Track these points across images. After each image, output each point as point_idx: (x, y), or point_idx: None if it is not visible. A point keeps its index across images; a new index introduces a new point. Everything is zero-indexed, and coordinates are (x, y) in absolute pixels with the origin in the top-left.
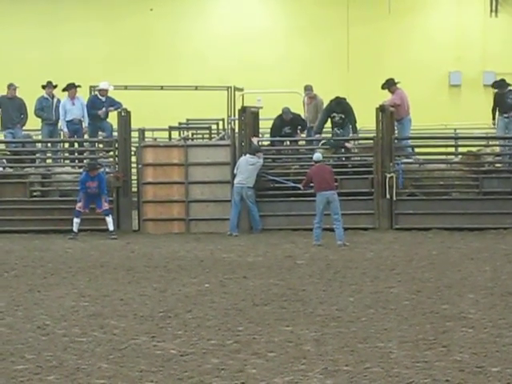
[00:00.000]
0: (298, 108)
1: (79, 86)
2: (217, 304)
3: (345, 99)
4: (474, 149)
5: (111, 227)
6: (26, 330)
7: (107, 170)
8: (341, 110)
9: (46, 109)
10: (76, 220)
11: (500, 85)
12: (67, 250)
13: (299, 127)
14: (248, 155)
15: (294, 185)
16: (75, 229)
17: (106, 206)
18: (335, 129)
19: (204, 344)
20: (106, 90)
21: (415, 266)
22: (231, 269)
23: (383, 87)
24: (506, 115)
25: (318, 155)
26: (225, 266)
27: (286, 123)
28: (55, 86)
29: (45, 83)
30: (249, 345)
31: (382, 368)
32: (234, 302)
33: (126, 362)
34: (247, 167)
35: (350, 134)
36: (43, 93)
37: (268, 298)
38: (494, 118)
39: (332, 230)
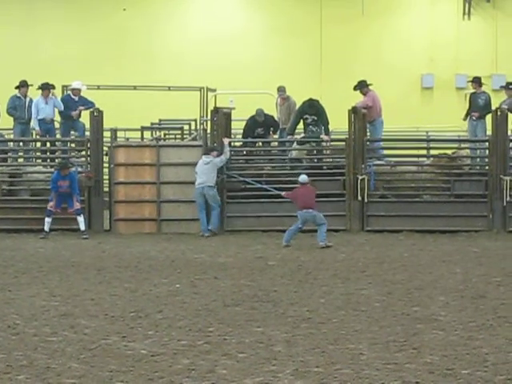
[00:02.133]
0: (271, 109)
1: (53, 87)
2: (188, 304)
3: (317, 101)
4: (445, 151)
5: (82, 227)
6: None
7: (79, 169)
8: (313, 111)
9: (19, 108)
10: (47, 219)
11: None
12: (38, 249)
13: (272, 128)
14: (203, 156)
15: (265, 186)
16: (46, 228)
17: (77, 205)
18: (310, 127)
19: (175, 344)
20: (79, 90)
21: (386, 268)
22: (202, 269)
23: (355, 88)
24: (473, 118)
25: (303, 177)
26: (196, 267)
27: (259, 124)
28: (30, 85)
29: (18, 83)
30: (219, 345)
31: (352, 369)
32: (204, 302)
33: (96, 362)
34: (203, 167)
35: (322, 135)
36: (16, 92)
37: (239, 299)
38: (465, 119)
39: (307, 232)
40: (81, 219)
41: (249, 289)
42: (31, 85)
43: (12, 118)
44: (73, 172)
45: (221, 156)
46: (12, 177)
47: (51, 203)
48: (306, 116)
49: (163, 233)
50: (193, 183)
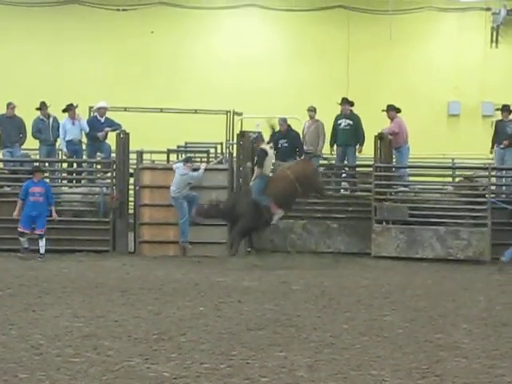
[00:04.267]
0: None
1: (76, 107)
2: (211, 328)
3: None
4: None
5: (42, 251)
6: (20, 349)
7: (104, 190)
8: (350, 118)
9: (43, 130)
10: (21, 239)
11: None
12: (62, 269)
13: (297, 150)
14: (182, 164)
15: None
16: (25, 245)
17: (42, 230)
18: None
19: (197, 367)
20: (105, 109)
21: (409, 295)
22: (226, 293)
23: (385, 110)
24: (501, 146)
25: None
26: (220, 290)
27: (282, 135)
28: (49, 106)
29: (38, 106)
30: (242, 369)
31: None
32: (228, 326)
33: None
34: (178, 177)
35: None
36: (39, 113)
37: (262, 323)
38: (492, 147)
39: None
40: (42, 244)
41: (272, 313)
42: (49, 105)
43: (38, 140)
44: (47, 182)
45: (197, 172)
46: None
47: (19, 225)
48: (341, 121)
49: (187, 256)
50: None
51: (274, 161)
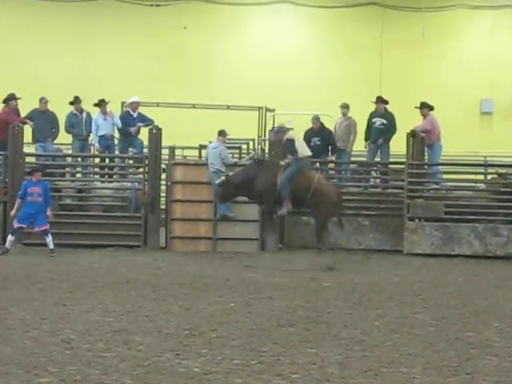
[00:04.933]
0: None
1: (108, 103)
2: (242, 324)
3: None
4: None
5: (51, 246)
6: (51, 343)
7: (136, 186)
8: (384, 117)
9: (76, 125)
10: (10, 238)
11: None
12: (93, 264)
13: (330, 147)
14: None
15: None
16: (8, 245)
17: (45, 226)
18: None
19: (228, 363)
20: (138, 103)
21: (441, 293)
22: (257, 289)
23: (418, 107)
24: None
25: None
26: (250, 286)
27: (315, 133)
28: (81, 101)
29: (72, 100)
30: (272, 366)
31: None
32: (258, 322)
33: (149, 379)
34: (211, 151)
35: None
36: (72, 108)
37: (293, 320)
38: None
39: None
40: (48, 239)
41: (303, 310)
42: (82, 100)
43: (70, 135)
44: (46, 182)
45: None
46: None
47: (15, 220)
48: (375, 120)
49: (218, 251)
50: (249, 202)
51: (307, 151)
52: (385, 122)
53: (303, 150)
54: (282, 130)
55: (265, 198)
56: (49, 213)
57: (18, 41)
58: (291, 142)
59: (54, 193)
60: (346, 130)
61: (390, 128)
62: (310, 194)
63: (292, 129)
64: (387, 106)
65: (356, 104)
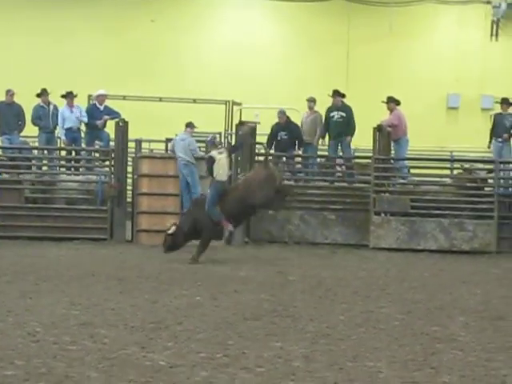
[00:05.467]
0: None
1: (76, 96)
2: (207, 317)
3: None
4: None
5: None
6: (16, 336)
7: (102, 179)
8: (342, 110)
9: (43, 117)
10: None
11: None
12: (59, 257)
13: (297, 141)
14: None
15: None
16: None
17: None
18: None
19: (193, 356)
20: (104, 96)
21: (407, 287)
22: (223, 282)
23: (385, 102)
24: (500, 139)
25: None
26: (216, 280)
27: (282, 127)
28: (49, 93)
29: (39, 91)
30: (238, 359)
31: None
32: (224, 315)
33: (115, 372)
34: (179, 143)
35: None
36: (39, 101)
37: (259, 313)
38: (490, 141)
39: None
40: None
41: (269, 303)
42: (50, 92)
43: (37, 127)
44: None
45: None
46: (33, 184)
47: None
48: (333, 114)
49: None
50: None
51: (225, 174)
52: (343, 114)
53: (222, 171)
54: (213, 144)
55: (206, 231)
56: None
57: None
58: (210, 160)
59: (19, 185)
60: (313, 124)
61: (348, 121)
62: (249, 198)
63: (259, 123)
64: (348, 100)
65: (323, 99)
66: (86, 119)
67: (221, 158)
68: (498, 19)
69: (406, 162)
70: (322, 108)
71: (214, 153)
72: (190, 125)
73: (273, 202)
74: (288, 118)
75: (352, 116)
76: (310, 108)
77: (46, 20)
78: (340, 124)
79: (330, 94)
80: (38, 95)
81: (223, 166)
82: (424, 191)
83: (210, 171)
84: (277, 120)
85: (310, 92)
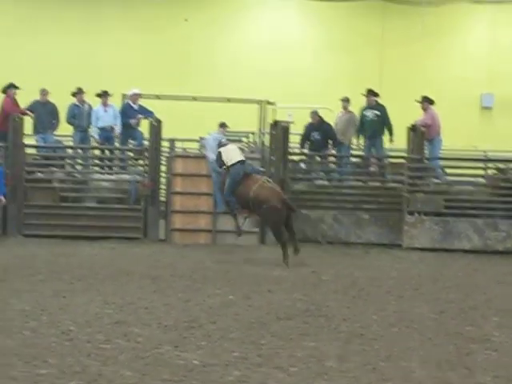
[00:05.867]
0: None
1: (110, 95)
2: (241, 316)
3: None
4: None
5: None
6: (50, 334)
7: (136, 178)
8: (376, 108)
9: (78, 116)
10: None
11: None
12: (94, 256)
13: (330, 141)
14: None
15: None
16: None
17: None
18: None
19: (227, 356)
20: (138, 95)
21: (440, 287)
22: (256, 282)
23: (419, 101)
24: None
25: None
26: (250, 279)
27: (315, 127)
28: (84, 93)
29: (75, 90)
30: (271, 358)
31: None
32: (257, 315)
33: (148, 371)
34: (212, 142)
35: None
36: (74, 100)
37: (292, 313)
38: None
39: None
40: None
41: (302, 303)
42: (85, 92)
43: (72, 126)
44: (1, 167)
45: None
46: (73, 184)
47: None
48: (368, 113)
49: (218, 244)
50: None
51: (236, 156)
52: (378, 113)
53: (232, 156)
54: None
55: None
56: (2, 199)
57: (20, 33)
58: (219, 155)
59: (55, 184)
60: (347, 124)
61: (383, 119)
62: (252, 201)
63: (292, 122)
64: (381, 100)
65: (357, 98)
66: (118, 121)
67: (228, 147)
68: None
69: (440, 161)
70: (355, 108)
71: (220, 149)
72: (222, 125)
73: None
74: (321, 118)
75: (387, 115)
76: (345, 108)
77: (80, 19)
78: (375, 123)
79: (364, 93)
80: (74, 94)
81: (232, 151)
82: (458, 191)
83: (220, 163)
84: (310, 120)
85: (343, 92)
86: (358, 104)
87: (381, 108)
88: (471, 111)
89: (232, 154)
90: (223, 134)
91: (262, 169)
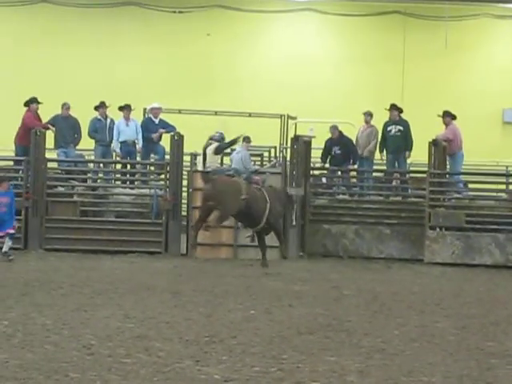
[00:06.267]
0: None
1: (133, 109)
2: (262, 331)
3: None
4: None
5: (7, 248)
6: (72, 348)
7: (158, 192)
8: (399, 124)
9: (100, 130)
10: None
11: None
12: (114, 270)
13: (351, 157)
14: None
15: None
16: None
17: (12, 229)
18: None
19: (248, 370)
20: (159, 109)
21: (461, 302)
22: (277, 296)
23: (441, 116)
24: None
25: None
26: (271, 294)
27: (335, 142)
28: (108, 107)
29: (98, 104)
30: (292, 373)
31: None
32: (279, 329)
33: None
34: (235, 156)
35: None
36: (97, 114)
37: (313, 328)
38: None
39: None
40: (9, 243)
41: (323, 317)
42: (109, 105)
43: (93, 140)
44: (12, 192)
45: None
46: (94, 198)
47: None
48: (391, 128)
49: (239, 259)
50: None
51: (213, 158)
52: (401, 128)
53: (209, 161)
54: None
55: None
56: (14, 227)
57: (42, 46)
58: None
59: (75, 198)
60: (368, 138)
61: (406, 135)
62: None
63: (314, 136)
64: (404, 115)
65: (378, 113)
66: (140, 135)
67: (209, 152)
68: None
69: (461, 176)
70: (377, 122)
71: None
72: (246, 139)
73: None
74: (340, 132)
75: (409, 130)
76: (367, 122)
77: (103, 32)
78: (398, 138)
79: (387, 108)
80: (96, 108)
81: (209, 157)
82: (479, 206)
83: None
84: (330, 135)
85: (364, 106)
86: (379, 118)
87: (404, 123)
88: (493, 126)
89: (209, 160)
90: (246, 148)
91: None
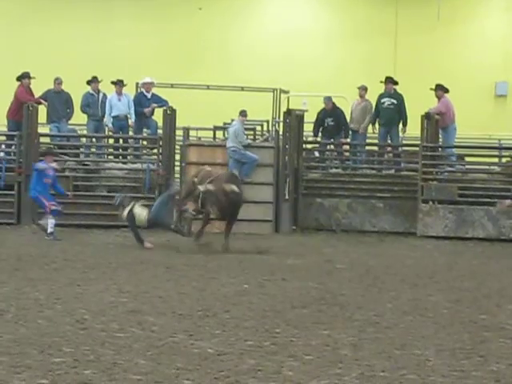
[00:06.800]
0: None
1: (125, 85)
2: (255, 305)
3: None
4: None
5: (52, 229)
6: (65, 323)
7: (150, 166)
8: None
9: (92, 105)
10: (53, 221)
11: None
12: (108, 245)
13: (343, 129)
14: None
15: None
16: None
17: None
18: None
19: (241, 344)
20: (152, 83)
21: (455, 275)
22: (270, 270)
23: (433, 89)
24: None
25: None
26: (264, 268)
27: (328, 113)
28: (100, 81)
29: (90, 78)
30: (286, 347)
31: (418, 375)
32: (272, 303)
33: (162, 359)
34: (230, 130)
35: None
36: (89, 88)
37: (306, 301)
38: None
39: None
40: (53, 221)
41: (316, 291)
42: (101, 80)
43: (86, 115)
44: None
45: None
46: (86, 172)
47: (49, 202)
48: (384, 100)
49: (233, 232)
50: (263, 184)
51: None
52: (394, 101)
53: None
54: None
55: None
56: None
57: (34, 22)
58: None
59: (68, 173)
60: (362, 112)
61: (399, 108)
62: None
63: (307, 110)
64: (398, 88)
65: (370, 86)
66: (132, 110)
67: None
68: None
69: (454, 149)
70: (369, 96)
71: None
72: (242, 113)
73: None
74: (334, 104)
75: (404, 104)
76: (361, 96)
77: (94, 8)
78: (390, 111)
79: (382, 80)
80: (88, 82)
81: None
82: (472, 179)
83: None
84: (323, 106)
85: (357, 80)
86: (371, 92)
87: (398, 97)
88: (485, 99)
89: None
90: (242, 122)
91: None
